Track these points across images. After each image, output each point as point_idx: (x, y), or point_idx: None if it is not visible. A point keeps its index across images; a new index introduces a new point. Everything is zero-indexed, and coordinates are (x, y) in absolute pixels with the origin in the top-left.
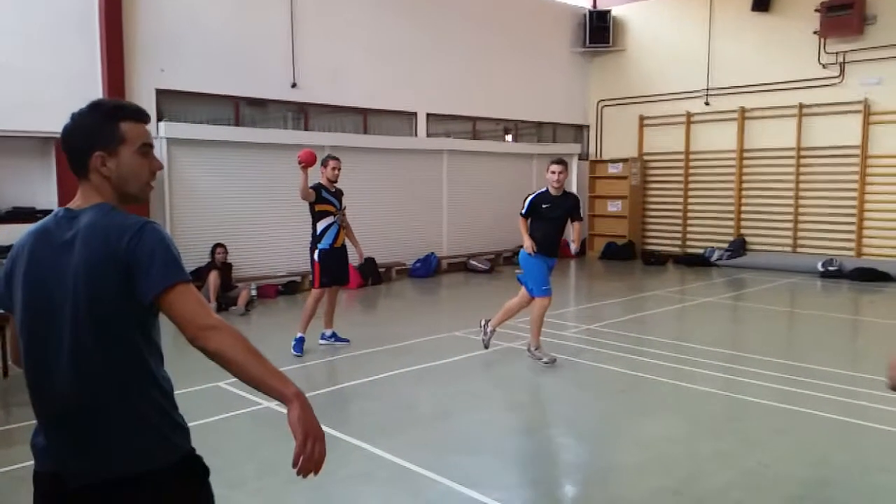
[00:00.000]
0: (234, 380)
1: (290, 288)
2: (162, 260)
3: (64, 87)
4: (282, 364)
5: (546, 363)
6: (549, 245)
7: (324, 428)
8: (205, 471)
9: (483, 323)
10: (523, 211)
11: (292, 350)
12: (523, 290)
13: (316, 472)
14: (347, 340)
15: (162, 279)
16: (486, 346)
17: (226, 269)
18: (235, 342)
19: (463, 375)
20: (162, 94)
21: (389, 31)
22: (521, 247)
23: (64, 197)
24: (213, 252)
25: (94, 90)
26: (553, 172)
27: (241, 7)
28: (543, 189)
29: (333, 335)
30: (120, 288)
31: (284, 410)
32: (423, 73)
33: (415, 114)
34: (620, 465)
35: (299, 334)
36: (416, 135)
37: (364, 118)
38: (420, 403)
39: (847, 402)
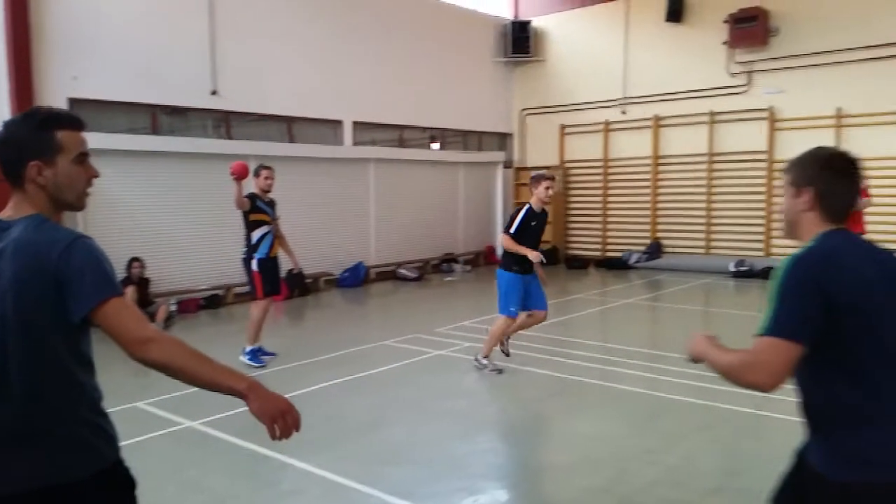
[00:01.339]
0: (154, 399)
1: (212, 302)
2: (93, 276)
3: None
4: None
5: (490, 372)
6: (530, 261)
7: (250, 446)
8: (131, 482)
9: (503, 344)
10: (514, 230)
11: (249, 363)
12: (532, 312)
13: (297, 430)
14: (274, 353)
15: (93, 295)
16: (506, 354)
17: (143, 284)
18: (177, 349)
19: (394, 385)
20: (75, 103)
21: (314, 39)
22: (451, 256)
23: None
24: (128, 267)
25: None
26: (547, 188)
27: (159, 12)
28: (527, 205)
29: (260, 350)
30: (49, 303)
31: (206, 430)
32: (348, 80)
33: (341, 122)
34: (551, 466)
35: (249, 347)
36: (342, 143)
37: (289, 126)
38: (350, 415)
39: (757, 396)
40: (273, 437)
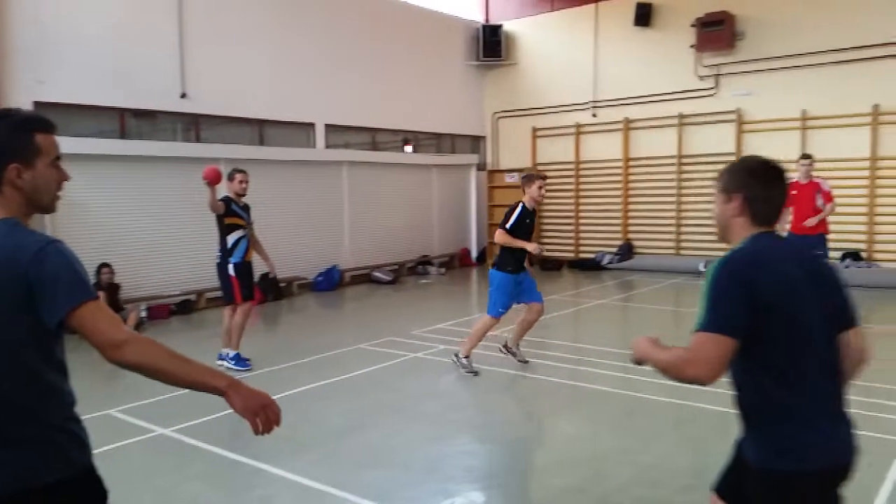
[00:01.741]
0: (127, 406)
1: (184, 307)
2: (67, 280)
3: None
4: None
5: (467, 373)
6: (523, 259)
7: (223, 452)
8: (103, 491)
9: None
10: (510, 225)
11: (234, 367)
12: (527, 305)
13: (278, 425)
14: (248, 361)
15: (68, 300)
16: (524, 362)
17: (112, 290)
18: (154, 350)
19: (369, 388)
20: (41, 107)
21: (285, 42)
22: (426, 259)
23: None
24: (98, 273)
25: None
26: (540, 187)
27: (126, 14)
28: (521, 203)
29: (237, 356)
30: (21, 307)
31: (179, 437)
32: (320, 83)
33: (313, 125)
34: (527, 467)
35: (232, 352)
36: (314, 146)
37: (260, 129)
38: (325, 420)
39: (727, 394)
40: (256, 431)
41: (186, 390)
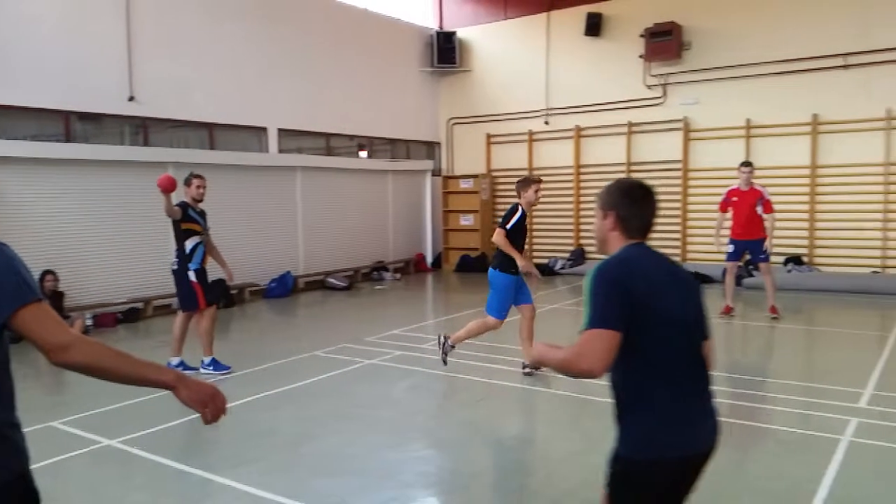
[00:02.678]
0: (70, 418)
1: (131, 316)
2: (10, 281)
3: None
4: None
5: (441, 357)
6: (513, 262)
7: (172, 463)
8: (36, 497)
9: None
10: (510, 226)
11: (212, 371)
12: (519, 307)
13: (224, 414)
14: (197, 369)
15: (12, 301)
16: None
17: (56, 297)
18: (99, 350)
19: (323, 396)
20: None
21: (237, 45)
22: (381, 265)
23: None
24: (41, 280)
25: None
26: (536, 191)
27: (71, 15)
28: (519, 206)
29: (182, 363)
30: None
31: (125, 448)
32: (273, 87)
33: (265, 129)
34: (482, 471)
35: (209, 357)
36: (267, 151)
37: (210, 133)
38: (278, 429)
39: None
40: (206, 421)
41: (132, 401)
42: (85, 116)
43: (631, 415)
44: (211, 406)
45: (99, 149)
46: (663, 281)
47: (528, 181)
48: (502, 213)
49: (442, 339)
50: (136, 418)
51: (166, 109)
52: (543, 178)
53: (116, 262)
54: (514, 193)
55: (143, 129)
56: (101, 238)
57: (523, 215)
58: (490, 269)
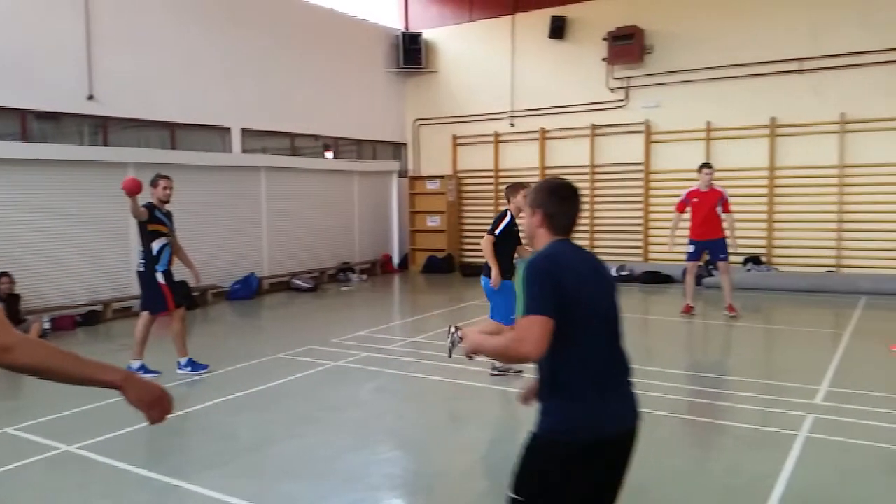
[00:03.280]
0: (26, 424)
1: (90, 319)
2: None
3: None
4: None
5: (448, 346)
6: (511, 267)
7: (133, 468)
8: None
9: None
10: (499, 231)
11: (190, 371)
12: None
13: (170, 414)
14: (159, 372)
15: None
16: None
17: (12, 300)
18: (44, 350)
19: (288, 399)
20: None
21: (199, 43)
22: (348, 266)
23: None
24: None
25: None
26: (525, 196)
27: (27, 11)
28: (507, 211)
29: (143, 367)
30: None
31: (84, 454)
32: (237, 86)
33: (228, 129)
34: (447, 472)
35: (183, 359)
36: (230, 151)
37: (172, 133)
38: (242, 433)
39: (642, 395)
40: (151, 422)
41: (92, 405)
42: (42, 115)
43: (553, 399)
44: (158, 407)
45: (57, 148)
46: (588, 275)
47: (517, 186)
48: (468, 215)
49: (452, 331)
50: (95, 423)
51: (127, 108)
52: (509, 180)
53: (75, 263)
54: (479, 195)
55: (102, 128)
56: (59, 239)
57: (512, 220)
58: (483, 276)
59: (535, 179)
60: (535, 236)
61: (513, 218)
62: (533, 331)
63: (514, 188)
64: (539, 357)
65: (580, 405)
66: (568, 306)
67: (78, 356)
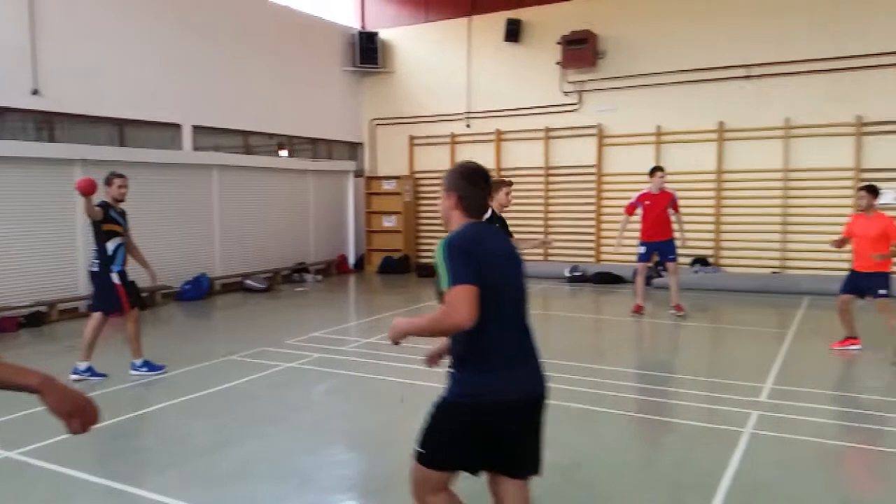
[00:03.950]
0: None
1: (34, 320)
2: None
3: None
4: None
5: None
6: None
7: (77, 474)
8: None
9: None
10: None
11: (146, 372)
12: None
13: (95, 424)
14: (105, 375)
15: None
16: None
17: None
18: None
19: (240, 401)
20: None
21: (150, 37)
22: (302, 266)
23: None
24: None
25: None
26: (507, 193)
27: None
28: (490, 209)
29: (90, 369)
30: None
31: (24, 459)
32: (188, 83)
33: (179, 126)
34: (399, 474)
35: (139, 360)
36: (181, 148)
37: (121, 129)
38: (192, 436)
39: (593, 393)
40: (73, 432)
41: (33, 409)
42: None
43: (465, 369)
44: (81, 416)
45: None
46: (501, 255)
47: (499, 183)
48: (425, 215)
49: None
50: (38, 428)
51: (74, 104)
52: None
53: (18, 263)
54: (437, 195)
55: (47, 124)
56: (1, 238)
57: (493, 217)
58: None
59: None
60: (450, 218)
61: (493, 214)
62: (462, 299)
63: (495, 186)
64: (471, 324)
65: (488, 376)
66: (482, 283)
67: None
